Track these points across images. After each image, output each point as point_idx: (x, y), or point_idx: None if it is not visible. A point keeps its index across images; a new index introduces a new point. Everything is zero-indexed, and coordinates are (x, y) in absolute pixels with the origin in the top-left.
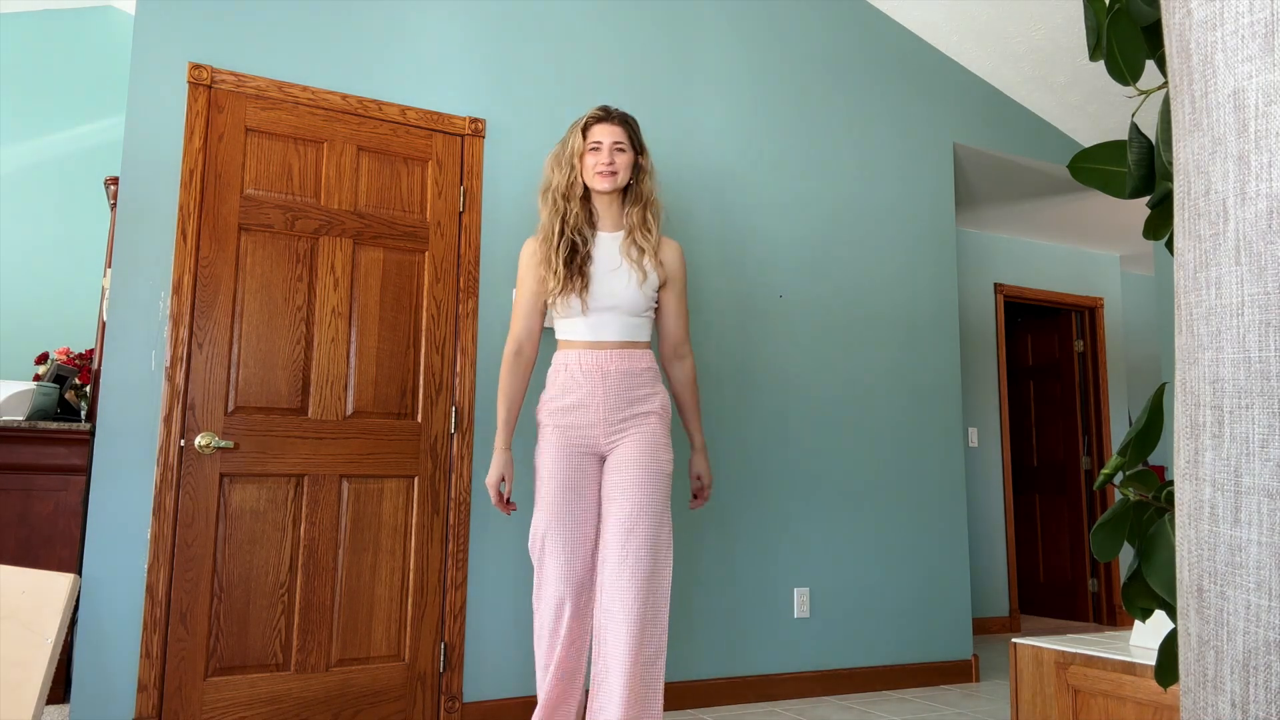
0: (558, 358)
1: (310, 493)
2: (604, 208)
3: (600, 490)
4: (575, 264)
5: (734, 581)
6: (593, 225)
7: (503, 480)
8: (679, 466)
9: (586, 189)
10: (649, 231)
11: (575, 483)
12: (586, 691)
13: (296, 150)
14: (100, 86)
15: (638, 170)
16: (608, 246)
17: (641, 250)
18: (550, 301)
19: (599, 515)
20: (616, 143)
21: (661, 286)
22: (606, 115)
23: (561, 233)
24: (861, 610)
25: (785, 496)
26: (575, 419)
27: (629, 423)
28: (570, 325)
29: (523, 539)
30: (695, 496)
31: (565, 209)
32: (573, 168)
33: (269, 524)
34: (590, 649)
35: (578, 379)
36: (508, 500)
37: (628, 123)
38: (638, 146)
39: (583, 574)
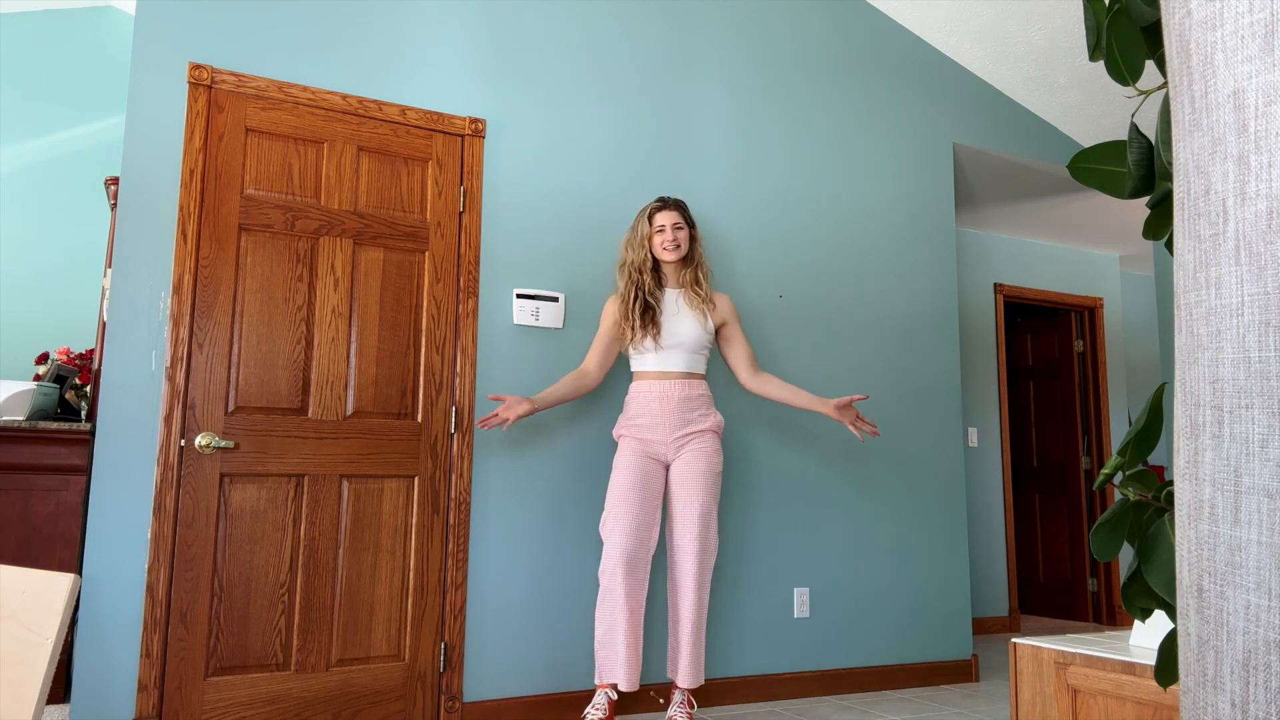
0: (633, 387)
1: (310, 492)
2: (669, 272)
3: (665, 488)
4: (648, 318)
5: (734, 581)
6: (660, 286)
7: (509, 404)
8: (831, 424)
9: (655, 259)
10: (700, 287)
11: (642, 480)
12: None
13: (296, 150)
14: (100, 86)
15: (692, 241)
16: (672, 300)
17: (694, 301)
18: (628, 344)
19: (659, 506)
20: (676, 224)
21: (720, 328)
22: (664, 205)
23: (637, 297)
24: (861, 610)
25: (785, 496)
26: (647, 434)
27: (688, 438)
28: (643, 360)
29: (522, 540)
30: (858, 424)
31: (640, 279)
32: (644, 246)
33: (269, 524)
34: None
35: (650, 404)
36: (498, 416)
37: (681, 207)
38: (690, 223)
39: (636, 548)
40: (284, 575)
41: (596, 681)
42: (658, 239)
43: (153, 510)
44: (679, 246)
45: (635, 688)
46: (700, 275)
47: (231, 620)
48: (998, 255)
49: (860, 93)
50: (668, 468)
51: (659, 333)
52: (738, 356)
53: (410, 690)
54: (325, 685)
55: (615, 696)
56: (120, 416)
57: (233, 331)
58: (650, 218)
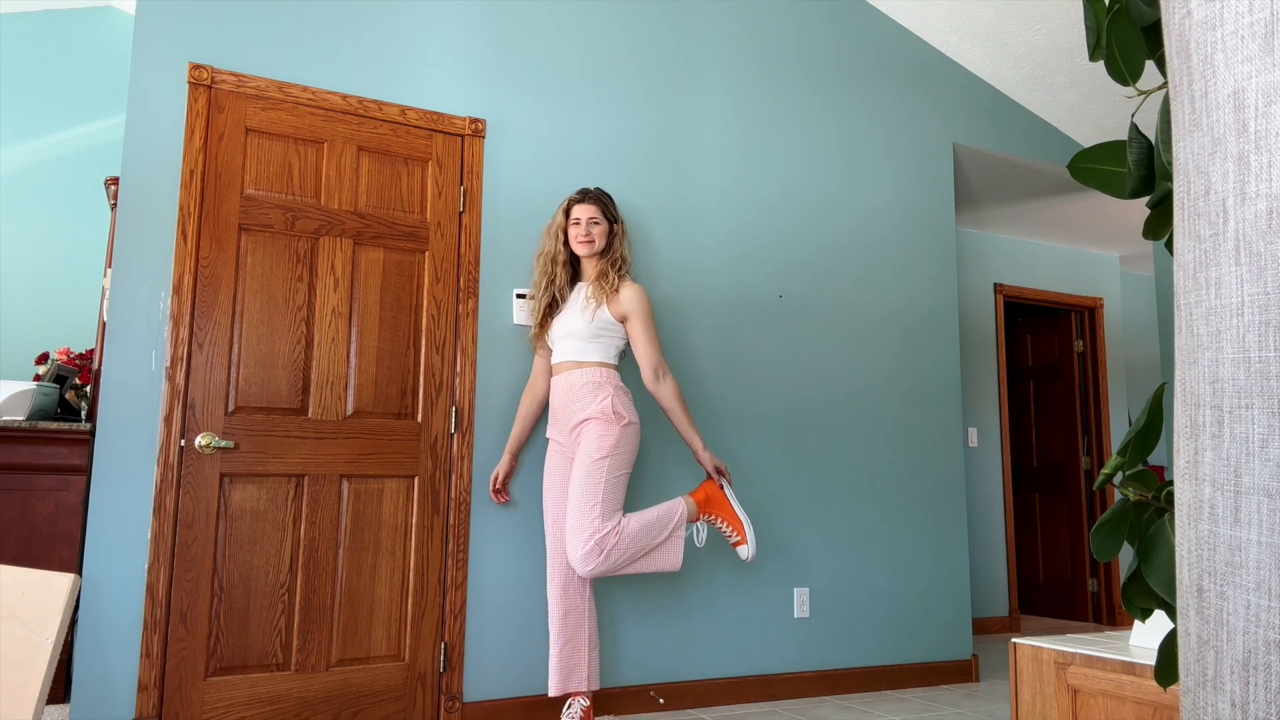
0: None
1: (310, 492)
2: (586, 265)
3: None
4: (550, 313)
5: (734, 581)
6: (576, 279)
7: (497, 476)
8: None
9: (573, 252)
10: (607, 281)
11: (555, 479)
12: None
13: (296, 150)
14: (100, 86)
15: (612, 235)
16: (579, 293)
17: (597, 292)
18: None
19: None
20: (592, 218)
21: (622, 323)
22: (583, 197)
23: (546, 289)
24: (861, 610)
25: (785, 496)
26: (553, 434)
27: (578, 427)
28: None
29: (521, 539)
30: (719, 479)
31: (552, 271)
32: (558, 238)
33: (269, 524)
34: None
35: (551, 401)
36: (498, 490)
37: (602, 200)
38: (611, 217)
39: (559, 552)
40: (284, 575)
41: None
42: (572, 231)
43: (153, 510)
44: (593, 241)
45: (563, 692)
46: (611, 269)
47: (231, 620)
48: (998, 255)
49: (860, 93)
50: None
51: (549, 329)
52: (637, 356)
53: (410, 690)
54: (325, 685)
55: (587, 704)
56: (120, 416)
57: (233, 331)
58: (567, 210)
